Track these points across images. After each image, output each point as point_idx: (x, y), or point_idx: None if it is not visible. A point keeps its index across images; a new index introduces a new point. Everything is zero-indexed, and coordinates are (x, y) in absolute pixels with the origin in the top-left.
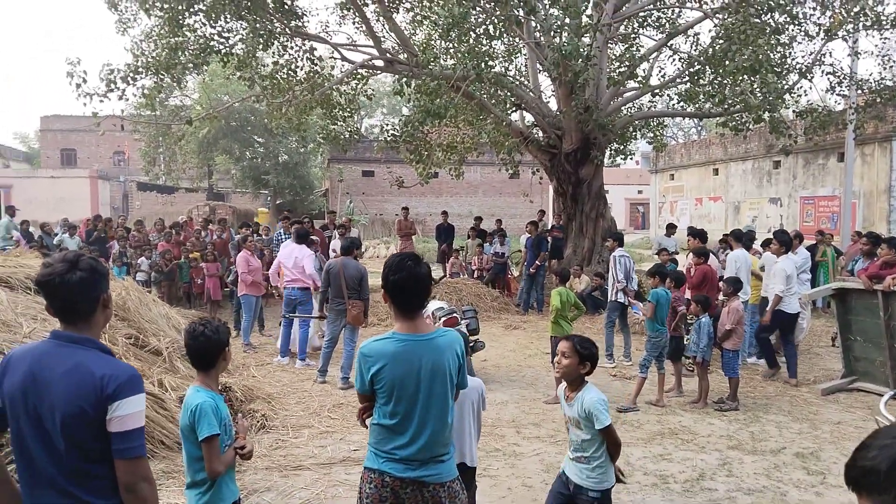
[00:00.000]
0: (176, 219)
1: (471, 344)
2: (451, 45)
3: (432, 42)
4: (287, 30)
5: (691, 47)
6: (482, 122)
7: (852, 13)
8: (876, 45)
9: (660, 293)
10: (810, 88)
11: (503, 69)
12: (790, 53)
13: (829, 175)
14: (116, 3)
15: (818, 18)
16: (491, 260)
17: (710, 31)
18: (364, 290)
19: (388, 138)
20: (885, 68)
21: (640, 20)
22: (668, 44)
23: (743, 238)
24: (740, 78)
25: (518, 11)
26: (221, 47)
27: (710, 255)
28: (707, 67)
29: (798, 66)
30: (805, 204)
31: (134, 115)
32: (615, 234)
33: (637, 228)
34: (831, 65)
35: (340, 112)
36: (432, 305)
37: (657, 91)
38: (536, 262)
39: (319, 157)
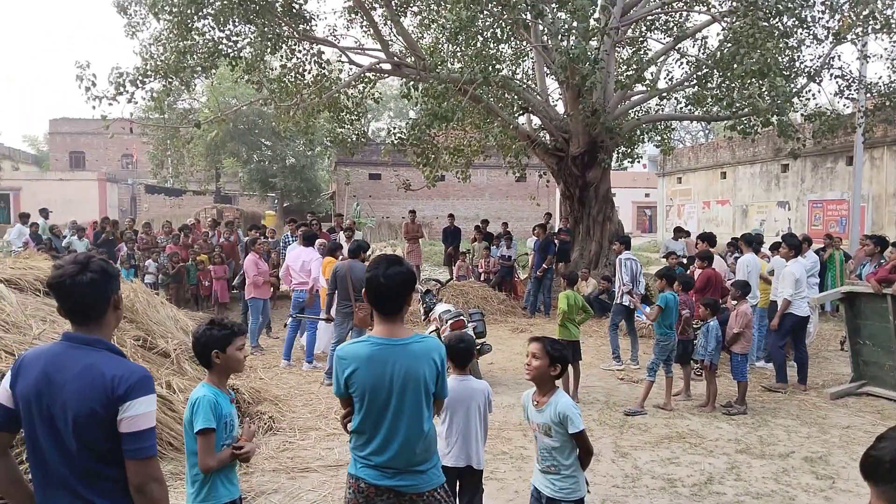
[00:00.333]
0: (183, 221)
1: (478, 347)
2: (458, 49)
3: (440, 46)
4: (295, 34)
5: (699, 51)
6: (489, 125)
7: (861, 16)
8: (885, 49)
9: (668, 297)
10: (819, 92)
11: (510, 73)
12: (799, 57)
13: (837, 179)
14: (126, 7)
15: (827, 22)
16: (497, 263)
17: (718, 34)
18: None
19: (395, 141)
20: (894, 71)
21: (648, 24)
22: (676, 47)
23: (753, 242)
24: (748, 81)
25: (525, 15)
26: (230, 51)
27: (715, 258)
28: (715, 71)
29: (806, 70)
30: (814, 208)
31: (142, 118)
32: (622, 238)
33: (644, 232)
34: (840, 68)
35: (348, 115)
36: (439, 308)
37: (665, 94)
38: (544, 265)
39: (326, 160)
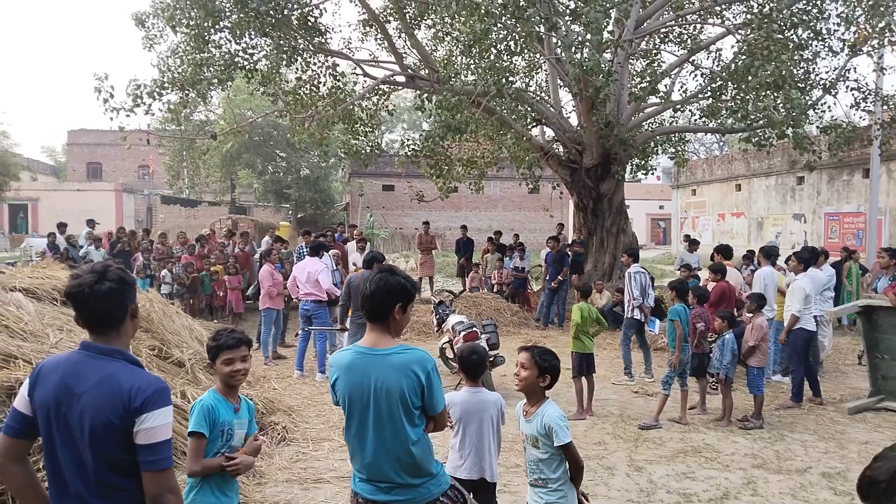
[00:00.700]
0: (199, 232)
1: (490, 359)
2: (472, 61)
3: (453, 58)
4: (310, 46)
5: (713, 63)
6: (502, 136)
7: (877, 29)
8: None
9: (678, 310)
10: (834, 104)
11: (524, 85)
12: (814, 69)
13: (854, 191)
14: (144, 20)
15: (842, 34)
16: (511, 274)
17: (732, 46)
18: None
19: (409, 153)
20: None
21: (662, 36)
22: (690, 59)
23: (772, 255)
24: (763, 93)
25: (539, 28)
26: (246, 63)
27: (730, 270)
28: (729, 83)
29: (822, 82)
30: (830, 220)
31: (159, 129)
32: (630, 250)
33: (658, 244)
34: (856, 80)
35: (362, 127)
36: (452, 319)
37: (679, 106)
38: (559, 276)
39: (340, 171)
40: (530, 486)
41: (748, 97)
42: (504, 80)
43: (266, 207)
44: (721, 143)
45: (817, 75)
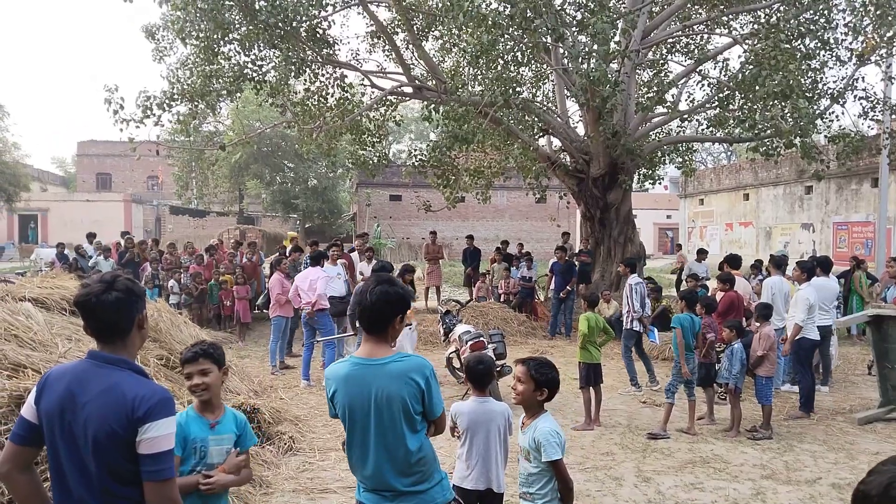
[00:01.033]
0: (207, 242)
1: (498, 368)
2: (479, 72)
3: (461, 69)
4: (318, 58)
5: (720, 73)
6: (509, 147)
7: (885, 38)
8: None
9: (683, 319)
10: (843, 113)
11: (531, 95)
12: (822, 78)
13: (862, 200)
14: (154, 33)
15: (850, 43)
16: (518, 284)
17: (739, 56)
18: None
19: (416, 163)
20: None
21: (669, 46)
22: (697, 69)
23: (782, 264)
24: (771, 103)
25: (546, 39)
26: (255, 75)
27: (739, 280)
28: (737, 93)
29: (830, 92)
30: (838, 230)
31: (168, 140)
32: (627, 260)
33: (666, 253)
34: (864, 89)
35: (369, 137)
36: (459, 329)
37: (686, 116)
38: (567, 287)
39: (348, 181)
40: (520, 499)
41: (755, 107)
42: (511, 91)
43: (274, 218)
44: (729, 153)
45: (825, 85)
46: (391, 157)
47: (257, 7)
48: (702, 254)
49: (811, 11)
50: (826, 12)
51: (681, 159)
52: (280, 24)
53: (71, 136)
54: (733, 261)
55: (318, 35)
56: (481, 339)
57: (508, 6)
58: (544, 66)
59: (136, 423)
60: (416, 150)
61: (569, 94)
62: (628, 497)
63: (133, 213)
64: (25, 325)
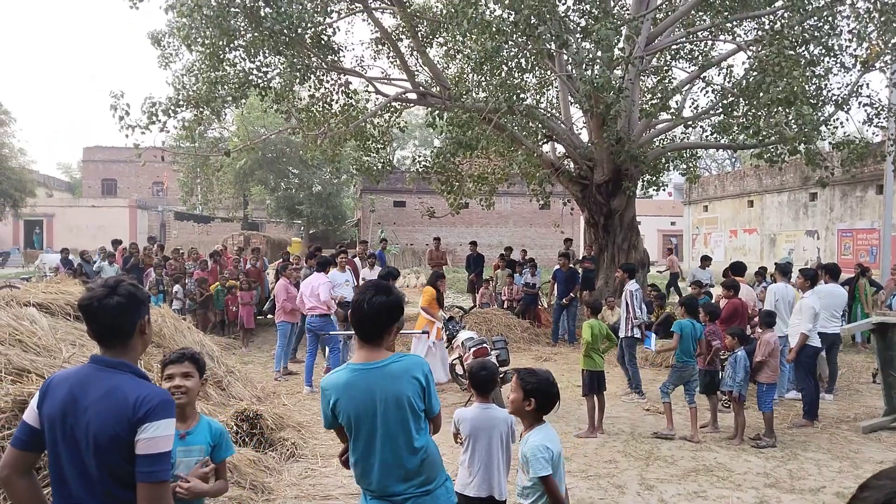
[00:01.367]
0: (211, 248)
1: (501, 375)
2: (483, 79)
3: (465, 75)
4: (323, 64)
5: (725, 79)
6: (513, 153)
7: (889, 45)
8: None
9: (683, 324)
10: (847, 120)
11: (535, 101)
12: (826, 85)
13: (867, 207)
14: (160, 39)
15: (854, 50)
16: (521, 291)
17: (743, 63)
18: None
19: (420, 169)
20: None
21: (673, 53)
22: (701, 76)
23: (788, 272)
24: (775, 110)
25: (550, 45)
26: (260, 81)
27: (743, 287)
28: (741, 99)
29: (834, 98)
30: (843, 237)
31: (174, 146)
32: (625, 266)
33: None
34: (868, 96)
35: (373, 144)
36: (462, 335)
37: (690, 123)
38: (571, 294)
39: (352, 187)
40: None
41: (760, 113)
42: (515, 97)
43: (278, 223)
44: (733, 160)
45: (829, 91)
46: (395, 164)
47: (263, 14)
48: (705, 260)
49: (815, 18)
50: (830, 19)
51: (685, 166)
52: (285, 30)
53: (76, 141)
54: (738, 268)
55: (322, 42)
56: (484, 345)
57: (512, 13)
58: (548, 72)
59: (136, 423)
60: (420, 156)
61: (573, 101)
62: None
63: (138, 219)
64: (30, 330)
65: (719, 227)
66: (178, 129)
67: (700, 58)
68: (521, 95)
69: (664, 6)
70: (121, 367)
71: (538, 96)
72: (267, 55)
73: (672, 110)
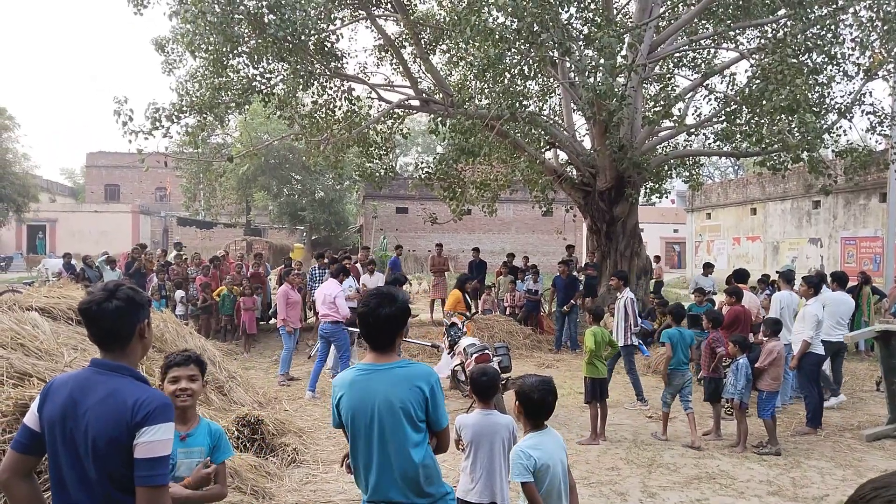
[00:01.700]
0: (214, 253)
1: (503, 382)
2: (485, 86)
3: (467, 82)
4: (327, 71)
5: (727, 87)
6: (516, 160)
7: (892, 53)
8: None
9: (671, 333)
10: (850, 128)
11: (537, 108)
12: (829, 93)
13: (870, 215)
14: (164, 45)
15: (857, 58)
16: (523, 297)
17: (746, 71)
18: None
19: (423, 176)
20: None
21: (676, 60)
22: (704, 84)
23: (792, 279)
24: (778, 117)
25: (553, 53)
26: (263, 88)
27: (747, 294)
28: (744, 107)
29: (837, 106)
30: (846, 245)
31: (177, 152)
32: (619, 273)
33: (673, 267)
34: (871, 104)
35: (376, 150)
36: (464, 341)
37: (693, 130)
38: (572, 301)
39: (355, 193)
40: None
41: (763, 121)
42: (518, 104)
43: (281, 229)
44: (736, 167)
45: (832, 99)
46: (398, 170)
47: (266, 21)
48: (708, 268)
49: (818, 26)
50: (833, 27)
51: (688, 173)
52: (289, 37)
53: (80, 146)
54: (740, 275)
55: (326, 48)
56: (486, 351)
57: (515, 20)
58: (551, 79)
59: (135, 427)
60: (422, 162)
61: (575, 108)
62: None
63: (141, 224)
64: (32, 335)
65: (722, 235)
66: (182, 134)
67: (703, 66)
68: (524, 102)
69: (667, 14)
70: (120, 371)
71: (541, 103)
72: (270, 61)
73: (675, 118)
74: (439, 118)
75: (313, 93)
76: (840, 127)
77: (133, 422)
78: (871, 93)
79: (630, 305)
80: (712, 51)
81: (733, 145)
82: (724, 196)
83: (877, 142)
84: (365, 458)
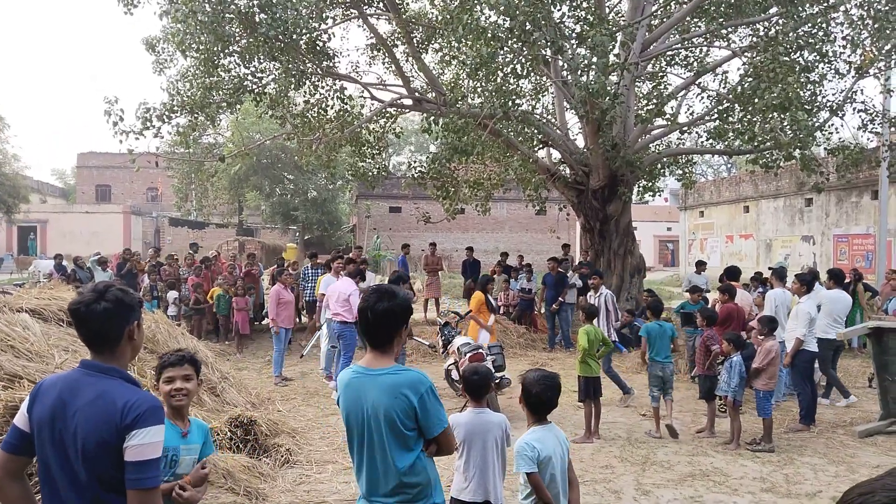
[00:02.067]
0: (206, 254)
1: (496, 381)
2: (478, 84)
3: (460, 81)
4: (318, 70)
5: (720, 85)
6: (509, 158)
7: (883, 51)
8: None
9: (650, 328)
10: (842, 126)
11: (530, 107)
12: (820, 91)
13: (862, 213)
14: (154, 45)
15: (848, 56)
16: (517, 296)
17: (738, 69)
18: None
19: (416, 175)
20: None
21: (668, 59)
22: (697, 82)
23: (785, 277)
24: (770, 115)
25: (545, 51)
26: (255, 87)
27: (740, 291)
28: (736, 105)
29: (829, 104)
30: (838, 242)
31: (168, 152)
32: (598, 271)
33: (666, 265)
34: (863, 102)
35: (369, 149)
36: (458, 341)
37: (685, 128)
38: (560, 298)
39: (347, 193)
40: None
41: (755, 119)
42: (510, 103)
43: (273, 229)
44: (729, 165)
45: (824, 97)
46: (391, 169)
47: (257, 20)
48: (700, 265)
49: (810, 24)
50: (824, 25)
51: (681, 171)
52: (280, 36)
53: (71, 147)
54: (732, 273)
55: (318, 47)
56: (480, 350)
57: (508, 19)
58: (544, 78)
59: (125, 430)
60: (415, 161)
61: (568, 107)
62: None
63: (132, 225)
64: (22, 336)
65: (715, 233)
66: (173, 134)
67: (695, 64)
68: (517, 101)
69: (659, 13)
70: (110, 373)
71: (533, 102)
72: (262, 61)
73: (667, 116)
74: (432, 117)
75: (305, 92)
76: (832, 124)
77: (122, 424)
78: (862, 90)
79: (610, 301)
80: (704, 49)
81: (726, 143)
82: (717, 194)
83: (868, 139)
84: (358, 459)
